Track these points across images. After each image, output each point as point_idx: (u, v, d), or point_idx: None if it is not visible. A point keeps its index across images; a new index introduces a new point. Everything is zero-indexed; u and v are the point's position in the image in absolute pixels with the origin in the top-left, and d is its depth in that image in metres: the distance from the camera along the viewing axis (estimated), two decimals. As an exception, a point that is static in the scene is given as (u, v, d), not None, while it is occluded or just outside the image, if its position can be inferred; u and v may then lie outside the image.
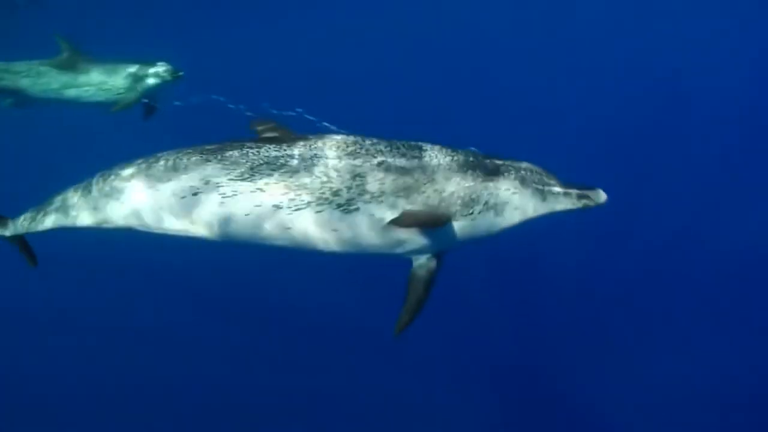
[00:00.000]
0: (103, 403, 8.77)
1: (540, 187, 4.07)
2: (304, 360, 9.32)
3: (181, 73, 9.38)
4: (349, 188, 3.96)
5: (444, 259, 4.33)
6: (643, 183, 12.28)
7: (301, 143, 4.17)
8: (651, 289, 10.62)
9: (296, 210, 4.01)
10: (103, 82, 9.19)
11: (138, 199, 4.32)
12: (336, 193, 3.96)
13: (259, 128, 4.42)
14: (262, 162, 4.09)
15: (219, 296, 9.57)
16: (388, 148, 4.09)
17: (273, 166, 4.06)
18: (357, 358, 9.21)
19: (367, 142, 4.15)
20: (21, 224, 4.82)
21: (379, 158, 4.03)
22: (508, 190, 4.03)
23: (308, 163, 4.04)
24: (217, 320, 9.41)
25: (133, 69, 9.23)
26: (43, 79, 9.22)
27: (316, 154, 4.08)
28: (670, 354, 10.08)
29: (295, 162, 4.06)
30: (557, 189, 4.07)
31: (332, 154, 4.07)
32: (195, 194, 4.16)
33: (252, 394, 8.95)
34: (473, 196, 3.99)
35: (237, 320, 9.42)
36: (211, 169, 4.14)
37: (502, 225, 4.10)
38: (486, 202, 4.01)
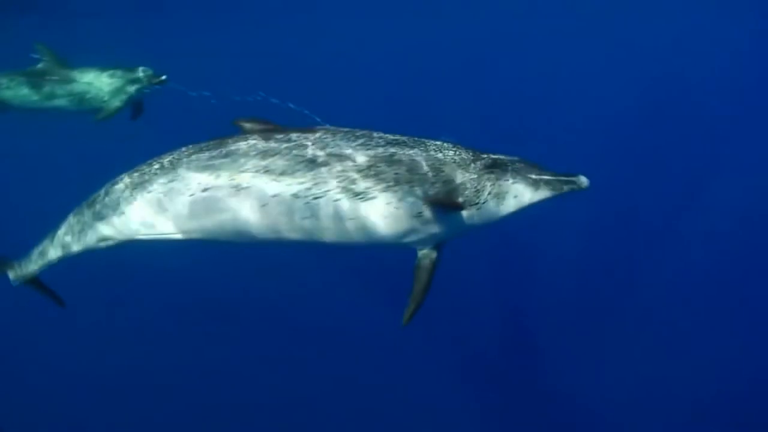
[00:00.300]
0: (106, 405, 8.79)
1: (532, 176, 4.30)
2: (301, 360, 9.34)
3: (164, 77, 9.27)
4: (365, 177, 4.08)
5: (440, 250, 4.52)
6: (640, 178, 12.37)
7: (311, 135, 4.24)
8: (648, 286, 10.70)
9: (315, 199, 4.08)
10: (86, 91, 9.10)
11: (146, 206, 4.36)
12: (353, 182, 4.07)
13: (246, 125, 4.42)
14: (274, 153, 4.15)
15: (216, 297, 9.58)
16: (395, 141, 4.27)
17: (287, 157, 4.12)
18: (352, 356, 9.25)
19: (375, 134, 4.31)
20: (30, 263, 4.95)
21: (391, 150, 4.18)
22: (507, 180, 4.26)
23: (322, 153, 4.13)
24: (215, 321, 9.41)
25: (115, 76, 9.14)
26: (23, 90, 9.11)
27: (328, 145, 4.17)
28: (667, 351, 10.11)
29: (309, 152, 4.14)
30: (547, 177, 4.32)
31: (344, 144, 4.18)
32: (204, 190, 4.19)
33: (251, 395, 8.98)
34: (478, 187, 4.22)
35: (234, 320, 9.44)
36: (219, 164, 4.18)
37: (503, 213, 4.33)
38: (489, 192, 4.24)
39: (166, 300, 9.40)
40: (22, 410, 8.60)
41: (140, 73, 9.20)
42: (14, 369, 8.86)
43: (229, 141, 4.28)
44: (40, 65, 9.24)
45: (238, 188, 4.13)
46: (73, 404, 8.59)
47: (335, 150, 4.14)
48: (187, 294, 9.36)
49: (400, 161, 4.13)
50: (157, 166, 4.35)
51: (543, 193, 4.32)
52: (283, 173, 4.09)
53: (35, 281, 5.10)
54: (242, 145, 4.22)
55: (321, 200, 4.08)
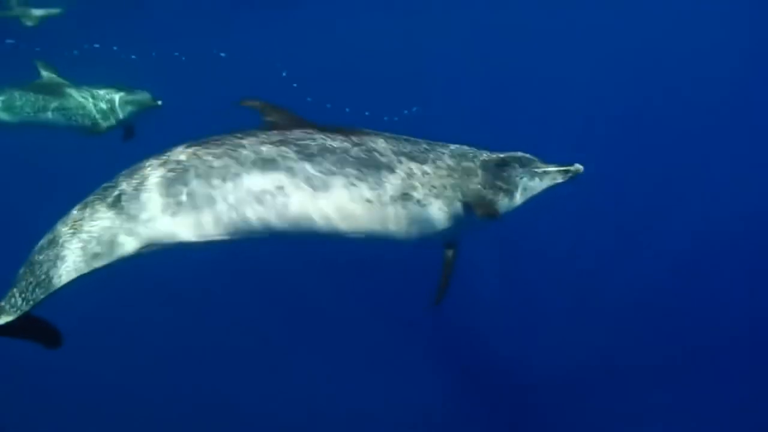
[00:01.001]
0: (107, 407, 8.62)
1: (536, 169, 4.67)
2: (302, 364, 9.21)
3: (159, 102, 9.16)
4: (423, 185, 4.26)
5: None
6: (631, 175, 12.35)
7: (368, 139, 4.26)
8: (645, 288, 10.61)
9: (388, 204, 4.17)
10: (80, 107, 8.97)
11: (201, 204, 4.02)
12: (414, 188, 4.23)
13: (268, 115, 4.31)
14: (348, 156, 4.12)
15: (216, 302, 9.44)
16: (429, 148, 4.43)
17: (356, 161, 4.12)
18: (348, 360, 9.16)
19: (412, 139, 4.47)
20: (22, 295, 3.91)
21: (431, 155, 4.38)
22: (517, 176, 4.60)
23: (389, 159, 4.20)
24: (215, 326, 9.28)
25: (111, 95, 9.02)
26: (17, 102, 9.02)
27: (389, 152, 4.24)
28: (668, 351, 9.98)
29: (377, 157, 4.18)
30: (548, 169, 4.69)
31: (397, 150, 4.29)
32: (279, 188, 4.04)
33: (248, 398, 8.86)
34: (497, 185, 4.50)
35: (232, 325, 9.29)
36: (293, 161, 4.04)
37: (513, 206, 4.64)
38: (503, 189, 4.54)
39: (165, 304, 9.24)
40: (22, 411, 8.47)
41: (137, 95, 9.08)
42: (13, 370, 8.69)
43: (289, 134, 4.14)
44: (38, 80, 9.17)
45: (315, 188, 4.04)
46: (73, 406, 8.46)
47: (394, 155, 4.23)
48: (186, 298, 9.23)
49: (440, 167, 4.35)
50: (211, 157, 4.02)
51: (545, 183, 4.69)
52: (359, 178, 4.09)
53: (27, 320, 3.96)
54: (309, 142, 4.11)
55: (393, 206, 4.19)
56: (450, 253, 4.70)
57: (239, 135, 4.18)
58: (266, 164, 4.01)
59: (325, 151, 4.08)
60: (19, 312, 3.86)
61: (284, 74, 14.11)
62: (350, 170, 4.08)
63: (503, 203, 4.52)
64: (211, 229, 4.05)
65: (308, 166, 4.03)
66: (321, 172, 4.04)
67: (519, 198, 4.61)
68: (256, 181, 4.00)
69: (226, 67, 14.39)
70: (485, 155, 4.58)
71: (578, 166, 4.68)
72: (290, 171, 4.02)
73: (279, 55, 15.13)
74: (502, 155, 4.65)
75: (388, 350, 9.14)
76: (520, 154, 4.74)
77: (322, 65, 15.23)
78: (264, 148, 4.06)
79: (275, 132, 4.17)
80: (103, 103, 9.00)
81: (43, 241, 4.08)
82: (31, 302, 3.89)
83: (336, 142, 4.14)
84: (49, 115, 9.03)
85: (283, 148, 4.06)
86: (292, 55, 15.02)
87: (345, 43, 16.25)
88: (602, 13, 16.78)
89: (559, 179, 4.66)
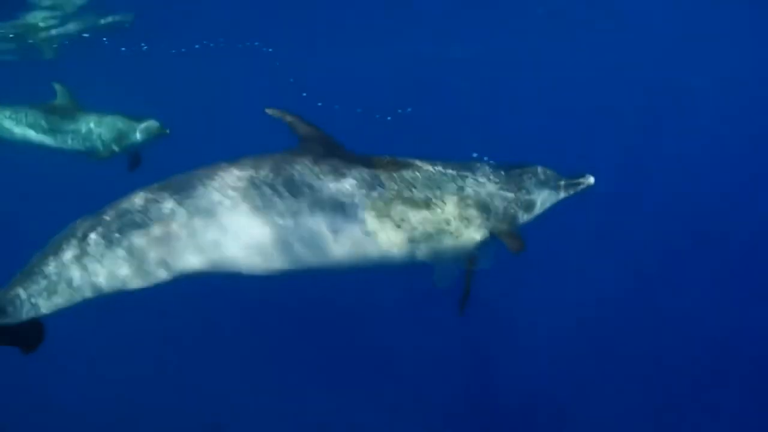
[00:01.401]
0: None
1: (552, 183, 4.68)
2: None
3: (167, 131, 9.11)
4: (455, 218, 4.28)
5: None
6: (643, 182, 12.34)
7: (408, 174, 4.24)
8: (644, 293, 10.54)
9: (425, 240, 4.21)
10: (89, 132, 9.00)
11: (267, 230, 3.92)
12: (448, 223, 4.26)
13: (299, 132, 4.22)
14: (393, 196, 4.13)
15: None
16: (457, 171, 4.41)
17: (401, 202, 4.14)
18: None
19: (440, 166, 4.42)
20: (32, 300, 3.59)
21: (459, 182, 4.36)
22: (533, 191, 4.62)
23: (428, 195, 4.22)
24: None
25: (120, 123, 9.00)
26: (25, 120, 9.12)
27: (427, 187, 4.25)
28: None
29: (419, 195, 4.21)
30: (563, 182, 4.70)
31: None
32: (334, 231, 4.03)
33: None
34: (516, 202, 4.53)
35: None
36: (346, 202, 4.03)
37: (530, 219, 4.64)
38: (521, 206, 4.56)
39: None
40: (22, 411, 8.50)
41: (146, 123, 9.02)
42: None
43: (345, 169, 4.08)
44: (51, 102, 9.25)
45: (358, 227, 4.04)
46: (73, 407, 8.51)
47: (426, 191, 4.23)
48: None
49: (471, 196, 4.34)
50: (267, 188, 3.92)
51: (560, 196, 4.69)
52: (401, 218, 4.11)
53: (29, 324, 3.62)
54: (360, 178, 4.08)
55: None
56: (471, 266, 4.66)
57: (297, 165, 4.04)
58: (324, 203, 3.99)
59: (371, 190, 4.08)
60: (21, 317, 3.55)
61: (278, 63, 14.19)
62: (396, 212, 4.11)
63: (521, 219, 4.54)
64: (265, 262, 3.98)
65: (359, 208, 4.05)
66: (370, 216, 4.08)
67: (536, 211, 4.62)
68: (316, 219, 3.98)
69: (224, 64, 14.51)
70: (506, 171, 4.56)
71: (590, 177, 4.72)
72: (344, 213, 4.01)
73: (277, 53, 15.32)
74: (518, 169, 4.64)
75: (388, 356, 9.16)
76: (535, 166, 4.73)
77: (318, 62, 15.41)
78: (323, 185, 4.00)
79: (329, 166, 4.07)
80: (112, 130, 8.99)
81: (62, 241, 3.73)
82: (42, 309, 3.60)
83: (381, 181, 4.12)
84: (54, 136, 9.11)
85: (343, 189, 4.02)
86: (290, 52, 15.17)
87: (342, 41, 16.50)
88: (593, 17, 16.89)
89: (573, 191, 4.68)
